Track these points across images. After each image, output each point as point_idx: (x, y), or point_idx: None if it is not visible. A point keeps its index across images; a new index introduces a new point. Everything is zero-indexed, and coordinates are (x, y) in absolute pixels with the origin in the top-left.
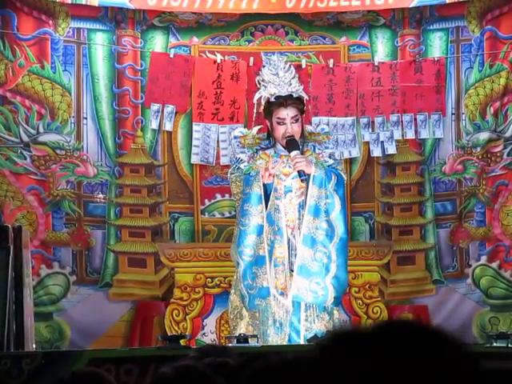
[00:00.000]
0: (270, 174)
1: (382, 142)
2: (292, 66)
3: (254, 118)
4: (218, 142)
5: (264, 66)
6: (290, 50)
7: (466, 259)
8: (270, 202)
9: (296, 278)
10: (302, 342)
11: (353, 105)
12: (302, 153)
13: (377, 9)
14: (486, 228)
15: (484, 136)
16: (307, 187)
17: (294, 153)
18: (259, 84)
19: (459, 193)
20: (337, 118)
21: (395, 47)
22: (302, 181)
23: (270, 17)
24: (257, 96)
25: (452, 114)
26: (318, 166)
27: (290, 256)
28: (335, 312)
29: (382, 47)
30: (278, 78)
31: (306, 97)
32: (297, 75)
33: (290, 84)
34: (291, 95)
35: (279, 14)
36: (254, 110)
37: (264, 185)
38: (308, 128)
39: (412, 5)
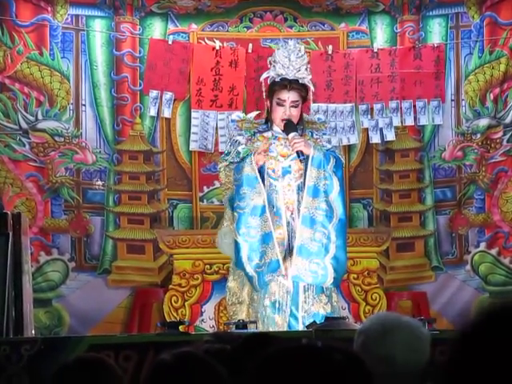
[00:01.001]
0: (264, 153)
1: (381, 128)
2: (306, 56)
3: (264, 96)
4: (216, 128)
5: (279, 49)
6: (289, 37)
7: (465, 246)
8: (266, 183)
9: (295, 259)
10: (300, 324)
11: (352, 91)
12: (300, 136)
13: None
14: (486, 215)
15: (484, 122)
16: (305, 168)
17: (292, 134)
18: (270, 64)
19: (459, 179)
20: (335, 105)
21: (394, 33)
22: (300, 161)
23: (269, 3)
24: (264, 75)
25: (451, 100)
26: (317, 147)
27: (289, 238)
28: (333, 295)
29: (381, 33)
30: (288, 61)
31: (312, 88)
32: (309, 66)
33: (299, 70)
34: (297, 80)
35: (278, 0)
36: (263, 89)
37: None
38: (305, 117)
39: None
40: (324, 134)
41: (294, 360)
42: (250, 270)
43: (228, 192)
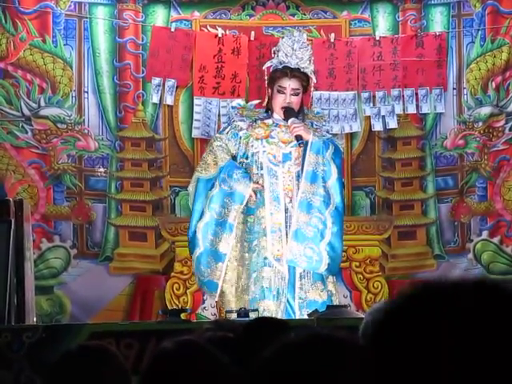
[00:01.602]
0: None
1: (383, 116)
2: (310, 47)
3: (266, 84)
4: (218, 116)
5: (283, 38)
6: (291, 25)
7: (468, 234)
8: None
9: (291, 243)
10: (296, 310)
11: (354, 79)
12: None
13: None
14: (488, 203)
15: (486, 111)
16: (304, 154)
17: (291, 120)
18: (274, 53)
19: (461, 168)
20: (338, 93)
21: (396, 22)
22: (299, 145)
23: None
24: (267, 64)
25: (453, 88)
26: (318, 135)
27: (286, 225)
28: (329, 283)
29: (383, 22)
30: (291, 49)
31: (314, 79)
32: (312, 57)
33: (301, 59)
34: (298, 69)
35: None
36: (266, 77)
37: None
38: (304, 109)
39: None
40: (323, 125)
41: (310, 349)
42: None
43: (205, 173)
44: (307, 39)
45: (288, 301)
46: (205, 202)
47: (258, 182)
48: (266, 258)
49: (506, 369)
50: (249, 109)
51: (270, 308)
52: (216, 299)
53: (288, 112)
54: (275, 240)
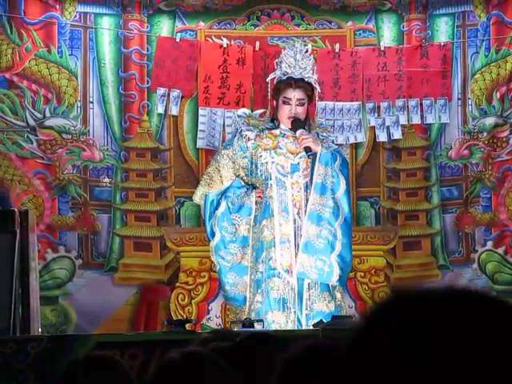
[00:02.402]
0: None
1: (388, 126)
2: (312, 57)
3: (269, 97)
4: (223, 126)
5: (285, 49)
6: (296, 35)
7: (472, 244)
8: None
9: (301, 256)
10: (303, 321)
11: (358, 89)
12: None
13: None
14: (492, 213)
15: (490, 121)
16: (313, 166)
17: (299, 131)
18: (277, 65)
19: (465, 178)
20: (342, 103)
21: (401, 32)
22: (308, 157)
23: (276, 1)
24: (271, 76)
25: (458, 99)
26: (325, 146)
27: (295, 236)
28: (337, 293)
29: (388, 32)
30: (294, 60)
31: (318, 88)
32: (315, 67)
33: (305, 69)
34: (302, 79)
35: None
36: (269, 89)
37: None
38: (310, 118)
39: None
40: (329, 136)
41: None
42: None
43: (209, 188)
44: (312, 49)
45: (294, 311)
46: (213, 221)
47: (259, 194)
48: (274, 269)
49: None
50: (254, 118)
51: (279, 319)
52: (245, 312)
53: (295, 123)
54: (284, 251)
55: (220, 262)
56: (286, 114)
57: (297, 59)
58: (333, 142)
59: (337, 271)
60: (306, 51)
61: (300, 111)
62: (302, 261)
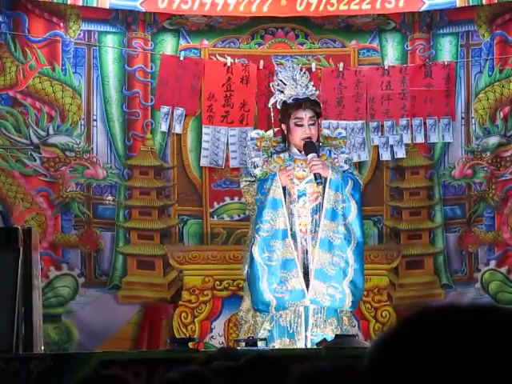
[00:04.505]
0: (287, 175)
1: (392, 145)
2: (307, 71)
3: (272, 121)
4: (227, 144)
5: (280, 71)
6: (300, 54)
7: (475, 264)
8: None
9: (313, 283)
10: (308, 345)
11: (362, 108)
12: (318, 157)
13: (387, 12)
14: (495, 233)
15: (494, 140)
16: (323, 191)
17: (311, 155)
18: (274, 88)
19: (468, 197)
20: (346, 122)
21: (405, 51)
22: (317, 184)
23: (281, 20)
24: (272, 101)
25: (461, 118)
26: (335, 169)
27: (303, 261)
28: (345, 318)
29: (391, 51)
30: (295, 81)
31: (320, 103)
32: (311, 81)
33: (307, 87)
34: (309, 98)
35: (289, 17)
36: (271, 114)
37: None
38: (325, 132)
39: (422, 9)
40: (343, 152)
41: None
42: (268, 296)
43: (257, 210)
44: (316, 68)
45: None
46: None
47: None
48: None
49: None
50: (267, 138)
51: (287, 346)
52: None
53: (308, 146)
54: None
55: (267, 264)
56: (299, 135)
57: (296, 79)
58: (345, 162)
59: (349, 298)
60: (301, 68)
61: (313, 132)
62: (315, 287)
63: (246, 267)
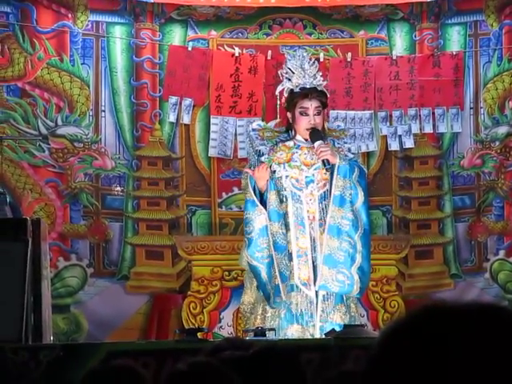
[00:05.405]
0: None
1: (400, 135)
2: (316, 61)
3: (277, 110)
4: (235, 135)
5: (289, 59)
6: (308, 44)
7: (484, 253)
8: (274, 197)
9: (322, 268)
10: (317, 333)
11: (370, 98)
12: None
13: (395, 2)
14: (505, 222)
15: (502, 130)
16: (331, 178)
17: (318, 142)
18: (282, 76)
19: (477, 187)
20: (354, 112)
21: (413, 41)
22: (326, 170)
23: (288, 10)
24: (279, 88)
25: (470, 108)
26: (342, 157)
27: (311, 248)
28: (352, 305)
29: (400, 41)
30: (303, 70)
31: (327, 93)
32: (320, 71)
33: (315, 77)
34: (315, 88)
35: (297, 7)
36: (277, 102)
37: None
38: (325, 124)
39: None
40: (345, 142)
41: None
42: (269, 288)
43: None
44: (324, 58)
45: (313, 325)
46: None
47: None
48: (292, 283)
49: None
50: (269, 129)
51: (297, 333)
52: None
53: (314, 133)
54: (302, 264)
55: (263, 262)
56: (304, 125)
57: (305, 69)
58: (349, 151)
59: (357, 283)
60: (310, 58)
61: (318, 121)
62: (324, 274)
63: (243, 262)
